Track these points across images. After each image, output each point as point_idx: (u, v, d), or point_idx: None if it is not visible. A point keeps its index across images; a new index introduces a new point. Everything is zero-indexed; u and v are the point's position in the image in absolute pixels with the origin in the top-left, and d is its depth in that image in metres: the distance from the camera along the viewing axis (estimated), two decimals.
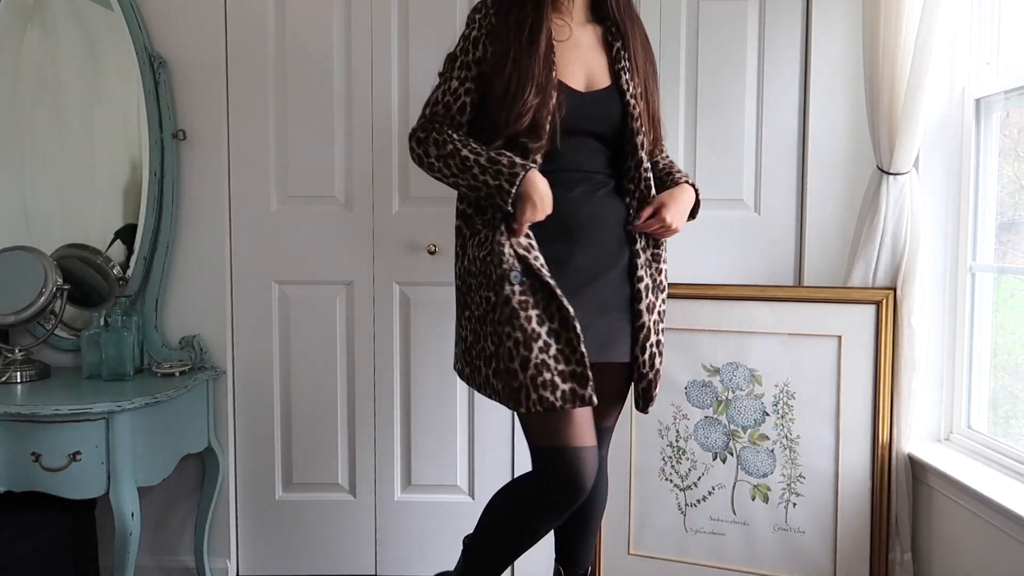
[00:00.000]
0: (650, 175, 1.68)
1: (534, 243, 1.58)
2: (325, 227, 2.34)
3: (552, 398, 1.49)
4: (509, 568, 2.32)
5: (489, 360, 1.57)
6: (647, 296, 1.66)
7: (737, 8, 2.27)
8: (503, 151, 1.56)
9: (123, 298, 2.22)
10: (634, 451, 2.21)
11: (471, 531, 1.73)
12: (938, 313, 2.13)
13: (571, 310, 1.52)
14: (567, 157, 1.62)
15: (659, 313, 1.70)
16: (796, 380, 2.10)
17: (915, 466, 2.07)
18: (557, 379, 1.50)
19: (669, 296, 1.88)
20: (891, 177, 2.03)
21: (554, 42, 1.61)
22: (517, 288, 1.52)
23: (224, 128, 2.30)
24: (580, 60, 1.65)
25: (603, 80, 1.66)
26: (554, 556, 1.91)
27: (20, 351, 2.16)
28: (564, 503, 1.58)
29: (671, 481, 2.19)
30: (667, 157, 1.87)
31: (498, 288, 1.53)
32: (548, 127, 1.56)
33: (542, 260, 1.56)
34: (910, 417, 2.06)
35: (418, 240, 2.32)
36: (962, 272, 2.10)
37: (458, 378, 2.33)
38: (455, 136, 1.61)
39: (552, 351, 1.51)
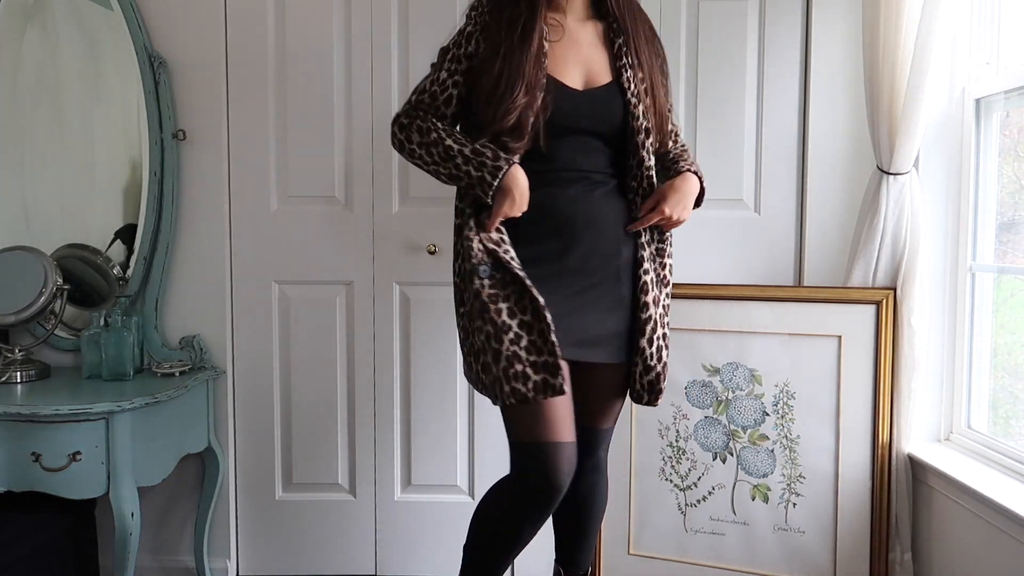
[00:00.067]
0: (652, 173, 1.67)
1: (505, 237, 1.59)
2: (325, 227, 2.34)
3: (524, 389, 1.50)
4: (509, 568, 2.32)
5: (478, 355, 1.58)
6: (652, 289, 1.66)
7: (737, 8, 2.27)
8: (488, 144, 1.56)
9: (123, 298, 2.22)
10: (634, 451, 2.21)
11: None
12: (938, 313, 2.13)
13: (541, 300, 1.52)
14: (563, 156, 1.62)
15: (664, 307, 1.69)
16: (796, 380, 2.10)
17: (915, 466, 2.07)
18: (529, 370, 1.50)
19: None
20: (891, 177, 2.03)
21: (550, 41, 1.60)
22: (487, 282, 1.54)
23: (224, 128, 2.29)
24: (578, 58, 1.64)
25: (603, 77, 1.64)
26: (554, 556, 1.91)
27: (20, 351, 2.16)
28: (541, 500, 1.56)
29: (671, 481, 2.19)
30: (681, 146, 1.83)
31: (469, 283, 1.55)
32: (531, 127, 1.55)
33: (513, 254, 1.57)
34: (910, 417, 2.06)
35: (418, 240, 2.32)
36: (962, 272, 2.10)
37: (458, 378, 2.36)
38: (439, 125, 1.62)
39: (523, 343, 1.51)
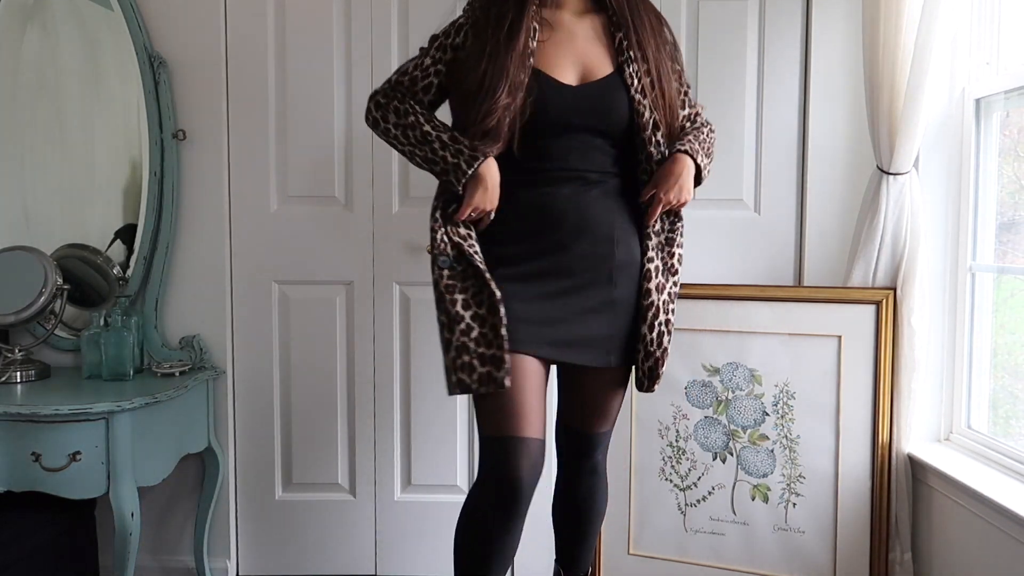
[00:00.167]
0: None
1: (473, 234, 1.60)
2: (325, 227, 2.34)
3: (468, 380, 1.51)
4: (509, 569, 2.32)
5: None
6: (657, 276, 1.64)
7: (737, 8, 2.27)
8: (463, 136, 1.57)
9: (123, 298, 2.22)
10: (634, 451, 2.21)
11: None
12: (938, 313, 2.12)
13: (498, 295, 1.52)
14: (556, 155, 1.59)
15: (669, 294, 1.67)
16: (796, 380, 2.10)
17: (915, 466, 2.07)
18: (475, 362, 1.51)
19: None
20: (891, 177, 2.03)
21: (540, 39, 1.58)
22: (445, 272, 1.55)
23: (224, 128, 2.29)
24: (574, 53, 1.61)
25: (602, 71, 1.61)
26: (554, 557, 1.91)
27: (20, 351, 2.16)
28: (503, 498, 1.52)
29: (671, 481, 2.19)
30: (697, 125, 1.73)
31: (432, 273, 1.58)
32: (508, 128, 1.53)
33: (477, 248, 1.58)
34: (910, 417, 2.06)
35: (418, 240, 2.32)
36: (962, 272, 2.10)
37: None
38: (418, 109, 1.62)
39: (474, 334, 1.52)
